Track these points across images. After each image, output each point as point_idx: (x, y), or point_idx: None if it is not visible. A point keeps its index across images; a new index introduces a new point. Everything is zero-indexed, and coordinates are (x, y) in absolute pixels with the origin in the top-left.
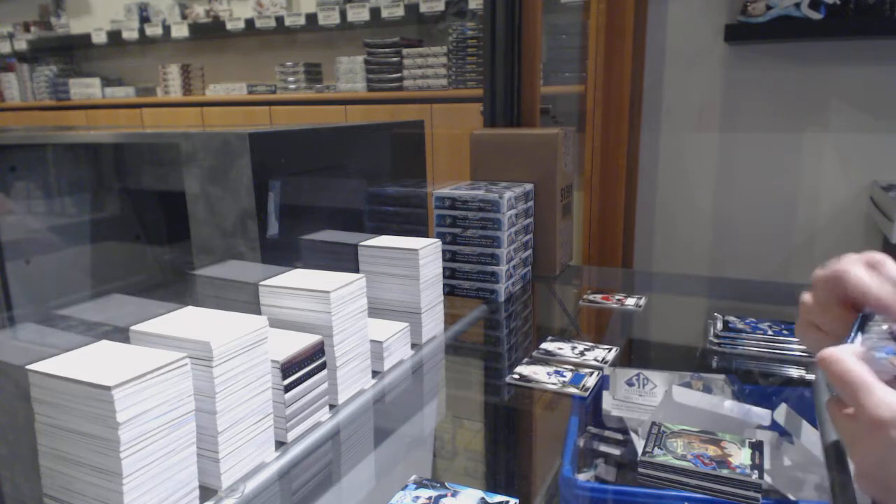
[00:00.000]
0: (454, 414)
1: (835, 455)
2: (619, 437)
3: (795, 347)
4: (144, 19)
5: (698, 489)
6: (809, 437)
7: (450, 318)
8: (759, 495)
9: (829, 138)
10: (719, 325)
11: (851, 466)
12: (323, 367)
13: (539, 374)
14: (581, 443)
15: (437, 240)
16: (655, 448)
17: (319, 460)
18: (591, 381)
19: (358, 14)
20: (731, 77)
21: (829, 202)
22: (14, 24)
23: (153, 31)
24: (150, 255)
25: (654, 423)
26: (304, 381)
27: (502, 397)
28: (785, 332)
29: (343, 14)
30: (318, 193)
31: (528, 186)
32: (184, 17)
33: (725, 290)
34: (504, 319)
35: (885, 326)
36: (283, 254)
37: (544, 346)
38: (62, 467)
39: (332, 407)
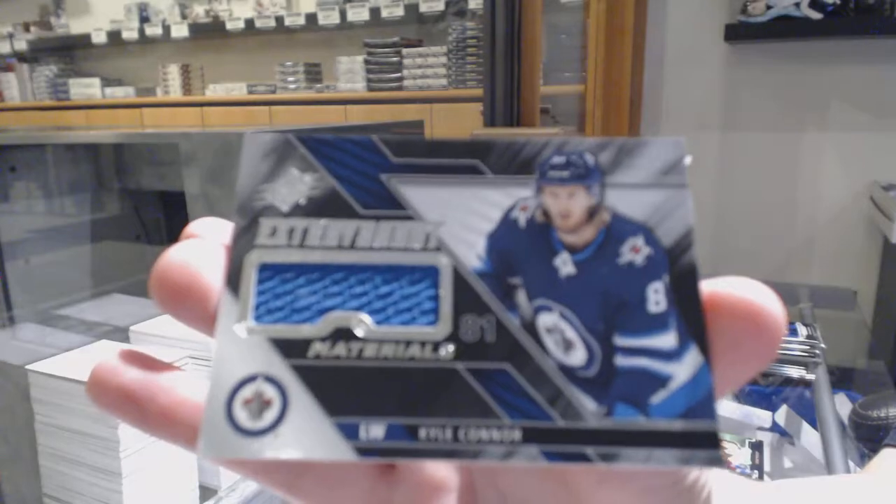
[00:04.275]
0: None
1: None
2: None
3: (796, 347)
4: (144, 19)
5: None
6: (810, 439)
7: None
8: None
9: (829, 138)
10: None
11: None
12: None
13: None
14: None
15: None
16: None
17: None
18: None
19: (358, 14)
20: (731, 77)
21: (830, 202)
22: (14, 24)
23: (153, 31)
24: (150, 254)
25: None
26: None
27: None
28: (785, 331)
29: (343, 14)
30: None
31: None
32: (183, 17)
33: None
34: None
35: None
36: None
37: None
38: (62, 467)
39: None
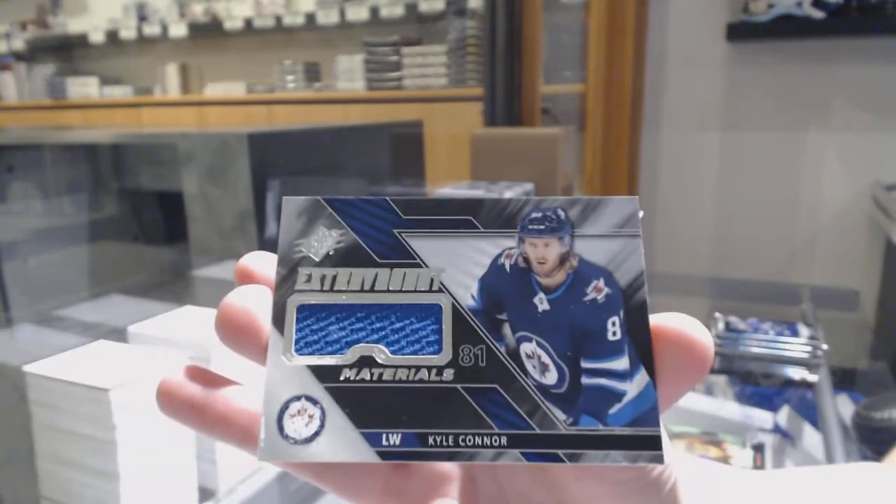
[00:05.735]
0: None
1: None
2: None
3: (798, 348)
4: (142, 18)
5: None
6: (812, 440)
7: None
8: None
9: (831, 137)
10: (721, 326)
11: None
12: None
13: None
14: None
15: None
16: None
17: None
18: None
19: (357, 13)
20: (733, 76)
21: (832, 202)
22: (11, 23)
23: (151, 30)
24: (148, 255)
25: None
26: None
27: None
28: (787, 332)
29: (342, 13)
30: (318, 193)
31: (529, 186)
32: (182, 16)
33: (727, 290)
34: None
35: None
36: None
37: None
38: (60, 469)
39: None
